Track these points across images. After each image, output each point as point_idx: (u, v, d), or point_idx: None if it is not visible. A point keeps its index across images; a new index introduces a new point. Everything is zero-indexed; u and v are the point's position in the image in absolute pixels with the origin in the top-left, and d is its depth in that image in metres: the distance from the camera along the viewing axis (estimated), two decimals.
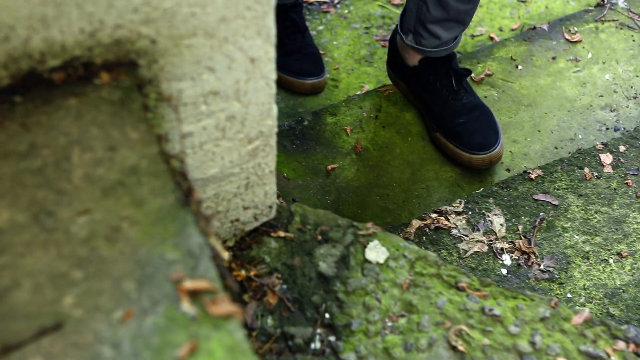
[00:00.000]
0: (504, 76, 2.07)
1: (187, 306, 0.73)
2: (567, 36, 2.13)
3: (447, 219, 1.61)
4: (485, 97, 2.01)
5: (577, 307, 1.50)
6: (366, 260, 1.25)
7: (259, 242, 1.24)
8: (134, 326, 0.72)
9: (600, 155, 1.70)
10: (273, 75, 0.99)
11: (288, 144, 1.97)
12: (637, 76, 2.04)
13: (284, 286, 1.21)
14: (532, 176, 1.67)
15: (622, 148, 1.71)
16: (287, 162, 1.93)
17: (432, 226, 1.61)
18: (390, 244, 1.27)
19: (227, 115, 1.00)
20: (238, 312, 0.74)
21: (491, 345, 1.17)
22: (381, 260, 1.25)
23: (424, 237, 1.60)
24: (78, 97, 0.85)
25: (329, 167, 1.90)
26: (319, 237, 1.26)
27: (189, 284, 0.74)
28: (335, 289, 1.22)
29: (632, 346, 1.18)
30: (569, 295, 1.50)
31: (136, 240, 0.78)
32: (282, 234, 1.25)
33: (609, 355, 1.16)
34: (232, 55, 0.93)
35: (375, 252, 1.25)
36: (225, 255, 0.80)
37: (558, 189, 1.65)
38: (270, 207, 1.21)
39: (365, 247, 1.26)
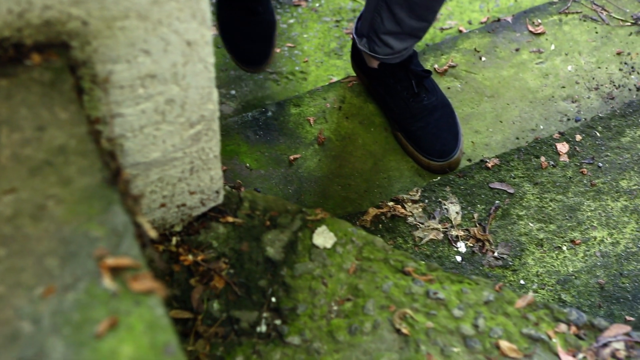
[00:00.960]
0: (467, 67, 2.08)
1: (108, 282, 0.74)
2: (530, 28, 2.15)
3: (404, 207, 1.62)
4: (449, 88, 2.02)
5: (530, 293, 1.51)
6: (314, 246, 1.26)
7: (207, 227, 1.25)
8: (54, 302, 0.73)
9: (556, 144, 1.71)
10: (211, 59, 1.00)
11: (251, 135, 1.97)
12: (599, 67, 2.06)
13: (231, 271, 1.22)
14: (489, 165, 1.68)
15: (578, 137, 1.73)
16: (250, 153, 1.94)
17: (389, 214, 1.62)
18: (338, 229, 1.28)
19: (166, 98, 1.01)
20: (159, 288, 0.74)
21: (435, 328, 1.18)
22: (328, 245, 1.26)
23: (380, 225, 1.61)
24: (8, 78, 0.85)
25: (292, 158, 1.91)
26: (268, 223, 1.27)
27: (110, 261, 0.75)
28: (282, 273, 1.23)
29: (573, 328, 1.20)
30: (522, 281, 1.52)
31: (61, 219, 0.78)
32: (230, 219, 1.26)
33: (550, 338, 1.18)
34: (167, 38, 0.94)
35: (323, 237, 1.26)
36: (153, 233, 0.80)
37: (514, 178, 1.67)
38: (217, 192, 1.22)
39: (313, 232, 1.27)
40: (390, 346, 1.17)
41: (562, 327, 1.20)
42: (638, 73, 2.04)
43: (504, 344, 1.17)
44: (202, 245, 1.23)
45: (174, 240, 1.22)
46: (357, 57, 2.00)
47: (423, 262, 1.27)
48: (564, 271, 1.54)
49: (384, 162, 1.90)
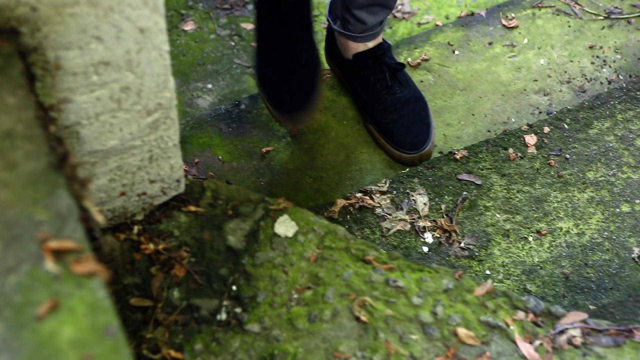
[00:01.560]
0: (440, 61, 2.09)
1: (50, 265, 0.75)
2: (504, 22, 2.16)
3: (372, 198, 1.63)
4: (422, 81, 2.03)
5: (495, 284, 1.52)
6: (275, 234, 1.26)
7: (168, 216, 1.25)
8: None
9: (525, 136, 1.73)
10: (165, 47, 1.01)
11: (224, 127, 1.98)
12: (572, 61, 2.07)
13: (192, 259, 1.23)
14: (457, 157, 1.69)
15: (546, 129, 1.74)
16: (223, 145, 1.94)
17: (357, 205, 1.63)
18: (300, 218, 1.29)
19: (121, 86, 1.01)
20: (102, 271, 0.75)
21: (394, 315, 1.19)
22: (290, 234, 1.26)
23: (348, 216, 1.62)
24: None
25: (264, 150, 1.92)
26: (230, 212, 1.28)
27: (53, 244, 0.76)
28: (243, 262, 1.23)
29: (531, 316, 1.21)
30: (487, 272, 1.53)
31: (6, 202, 0.79)
32: (192, 208, 1.26)
33: (508, 325, 1.19)
34: (119, 25, 0.94)
35: (285, 226, 1.27)
36: (100, 218, 0.81)
37: (482, 169, 1.68)
38: (178, 181, 1.22)
39: (275, 221, 1.27)
40: (349, 333, 1.18)
41: (520, 314, 1.21)
42: (610, 66, 2.05)
43: (462, 331, 1.18)
44: (163, 234, 1.24)
45: (136, 229, 1.23)
46: (331, 50, 2.01)
47: (384, 251, 1.28)
48: (529, 261, 1.55)
49: (356, 155, 1.91)
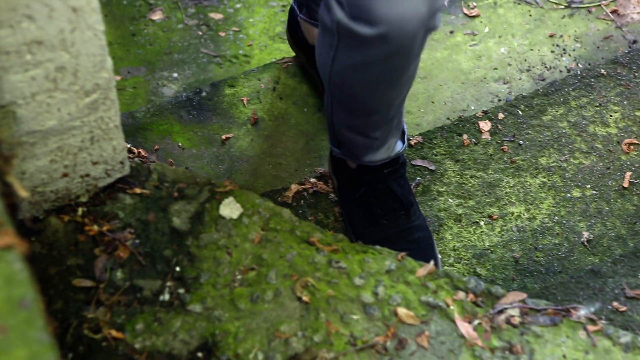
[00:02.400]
0: None
1: None
2: (465, 11, 2.17)
3: (326, 184, 1.64)
4: None
5: (445, 268, 1.54)
6: (220, 216, 1.27)
7: (113, 198, 1.26)
8: None
9: (479, 122, 1.74)
10: (100, 27, 1.01)
11: (184, 114, 1.98)
12: (532, 50, 2.09)
13: (137, 241, 1.23)
14: (412, 143, 1.71)
15: (500, 115, 1.76)
16: (183, 132, 1.95)
17: (311, 190, 1.64)
18: (246, 200, 1.30)
19: (56, 65, 1.02)
20: (19, 244, 0.76)
21: (336, 296, 1.20)
22: (235, 216, 1.27)
23: (302, 201, 1.63)
24: None
25: (224, 137, 1.93)
26: (176, 194, 1.29)
27: None
28: (187, 243, 1.24)
29: (471, 296, 1.22)
30: (439, 256, 1.54)
31: None
32: (138, 190, 1.27)
33: (448, 305, 1.21)
34: (51, 4, 0.95)
35: (230, 208, 1.28)
36: (24, 193, 0.81)
37: (436, 155, 1.70)
38: (122, 163, 1.23)
39: (220, 203, 1.28)
40: (291, 314, 1.19)
41: (461, 294, 1.22)
42: (569, 55, 2.07)
43: (402, 311, 1.19)
44: (108, 216, 1.24)
45: (80, 210, 1.24)
46: (294, 30, 1.99)
47: (329, 233, 1.29)
48: (480, 245, 1.57)
49: (315, 142, 1.92)
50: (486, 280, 1.51)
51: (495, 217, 1.60)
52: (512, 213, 1.61)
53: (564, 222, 1.59)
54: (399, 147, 1.50)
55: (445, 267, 1.52)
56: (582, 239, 1.56)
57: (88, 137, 1.14)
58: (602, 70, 1.86)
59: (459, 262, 1.55)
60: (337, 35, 1.24)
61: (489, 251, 1.56)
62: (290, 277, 1.22)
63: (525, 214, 1.61)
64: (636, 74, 1.83)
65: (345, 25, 1.19)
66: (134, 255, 1.21)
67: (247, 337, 1.16)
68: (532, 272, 1.53)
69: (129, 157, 1.29)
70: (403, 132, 1.51)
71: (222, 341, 1.16)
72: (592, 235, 1.56)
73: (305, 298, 1.20)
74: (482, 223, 1.60)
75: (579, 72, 1.87)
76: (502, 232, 1.58)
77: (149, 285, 1.20)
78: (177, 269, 1.22)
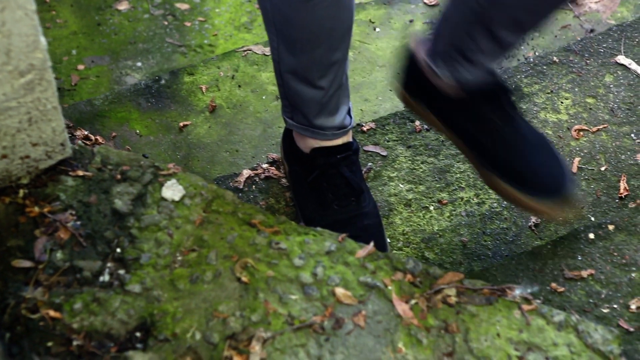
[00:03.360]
0: (361, 38, 2.12)
1: None
2: (425, 0, 2.19)
3: (278, 169, 1.65)
4: None
5: (394, 252, 1.56)
6: (162, 198, 1.28)
7: (55, 180, 1.27)
8: None
9: None
10: (31, 6, 1.02)
11: (143, 102, 1.99)
12: None
13: (78, 222, 1.24)
14: (365, 129, 1.72)
15: None
16: (141, 120, 1.96)
17: (263, 175, 1.65)
18: (189, 183, 1.31)
19: None
20: None
21: (275, 277, 1.22)
22: (177, 198, 1.28)
23: (254, 186, 1.64)
24: None
25: (182, 124, 1.93)
26: (119, 177, 1.29)
27: None
28: (129, 225, 1.25)
29: (409, 276, 1.24)
30: (388, 240, 1.56)
31: None
32: (80, 172, 1.27)
33: (386, 285, 1.22)
34: None
35: (172, 190, 1.28)
36: None
37: (388, 141, 1.71)
38: (63, 144, 1.23)
39: (163, 185, 1.29)
40: (230, 294, 1.20)
41: (399, 275, 1.24)
42: (528, 44, 2.09)
43: (340, 291, 1.20)
44: (49, 198, 1.25)
45: (21, 192, 1.24)
46: (414, 79, 1.47)
47: (272, 215, 1.30)
48: (429, 230, 1.58)
49: (273, 129, 1.93)
50: (434, 264, 1.53)
51: (444, 202, 1.61)
52: (462, 198, 1.62)
53: (512, 206, 1.61)
54: (347, 120, 1.51)
55: (394, 251, 1.54)
56: (529, 223, 1.58)
57: (26, 119, 1.14)
58: (555, 58, 1.88)
59: (408, 246, 1.56)
60: None
61: (438, 235, 1.57)
62: (231, 258, 1.23)
63: (474, 199, 1.62)
64: (588, 61, 1.85)
65: None
66: (75, 237, 1.22)
67: (186, 317, 1.17)
68: (479, 256, 1.55)
69: (87, 144, 1.30)
70: (349, 109, 1.53)
71: (161, 321, 1.16)
72: (539, 220, 1.58)
73: (244, 279, 1.21)
74: (431, 208, 1.61)
75: (531, 59, 1.89)
76: (451, 217, 1.60)
77: (89, 266, 1.21)
78: (118, 250, 1.23)
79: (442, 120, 1.43)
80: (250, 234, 1.26)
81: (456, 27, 1.32)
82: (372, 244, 1.27)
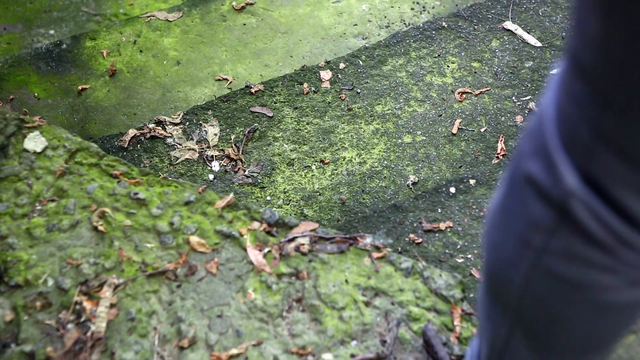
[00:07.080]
0: (265, 5, 2.14)
1: None
2: None
3: (164, 129, 1.67)
4: (244, 24, 2.07)
5: (274, 209, 1.58)
6: (25, 150, 1.29)
7: None
8: None
9: (320, 71, 1.78)
10: None
11: (43, 66, 1.99)
12: (392, 7, 2.14)
13: None
14: (253, 90, 1.74)
15: (342, 65, 1.80)
16: (40, 83, 1.96)
17: (148, 135, 1.66)
18: (52, 135, 1.32)
19: None
20: None
21: (132, 226, 1.24)
22: (39, 150, 1.30)
23: (139, 145, 1.66)
24: None
25: (80, 88, 1.94)
26: None
27: None
28: None
29: (264, 226, 1.27)
30: (268, 198, 1.59)
31: None
32: None
33: (241, 234, 1.25)
34: None
35: (34, 142, 1.30)
36: None
37: (276, 103, 1.74)
38: None
39: (26, 137, 1.30)
40: (86, 242, 1.22)
41: (255, 224, 1.27)
42: (428, 12, 2.13)
43: (194, 240, 1.23)
44: None
45: None
46: None
47: (136, 168, 1.32)
48: (309, 188, 1.61)
49: (172, 94, 1.95)
50: (312, 220, 1.56)
51: (327, 161, 1.65)
52: (344, 158, 1.66)
53: (393, 166, 1.65)
54: None
55: (274, 209, 1.57)
56: (407, 182, 1.62)
57: None
58: (444, 23, 1.91)
59: (288, 204, 1.59)
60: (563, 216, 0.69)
61: (318, 194, 1.61)
62: (89, 208, 1.25)
63: (356, 159, 1.66)
64: (476, 26, 1.89)
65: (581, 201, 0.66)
66: None
67: (39, 263, 1.19)
68: (357, 213, 1.58)
69: None
70: None
71: (13, 268, 1.18)
72: (417, 179, 1.62)
73: (101, 227, 1.23)
74: (313, 167, 1.64)
75: (421, 24, 1.93)
76: (332, 176, 1.63)
77: None
78: None
79: None
80: (111, 185, 1.28)
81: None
82: (231, 194, 1.30)
